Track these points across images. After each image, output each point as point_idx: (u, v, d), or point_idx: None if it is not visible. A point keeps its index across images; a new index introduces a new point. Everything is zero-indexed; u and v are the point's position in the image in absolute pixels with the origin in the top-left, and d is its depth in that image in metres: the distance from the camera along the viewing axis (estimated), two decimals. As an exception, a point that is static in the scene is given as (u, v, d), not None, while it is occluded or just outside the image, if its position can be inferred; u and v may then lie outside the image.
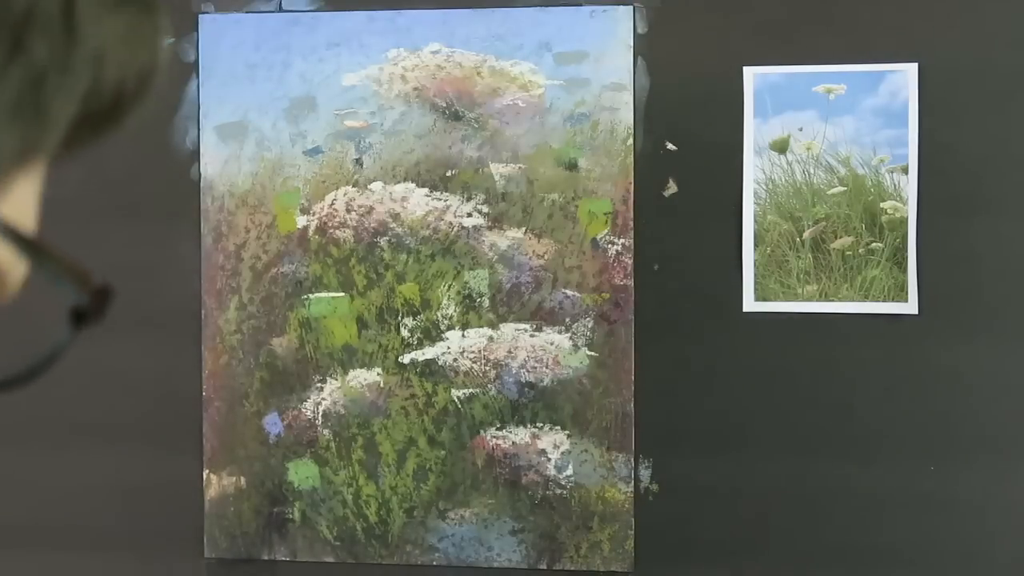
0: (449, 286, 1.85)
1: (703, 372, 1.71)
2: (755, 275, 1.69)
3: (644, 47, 1.69)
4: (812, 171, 1.67)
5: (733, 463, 1.71)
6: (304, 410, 1.89)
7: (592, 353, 1.83)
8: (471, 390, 1.85)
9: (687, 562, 1.73)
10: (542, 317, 1.84)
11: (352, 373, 1.88)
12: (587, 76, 1.80)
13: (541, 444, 1.85)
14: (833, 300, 1.67)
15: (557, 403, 1.84)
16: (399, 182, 1.86)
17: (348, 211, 1.86)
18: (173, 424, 1.81)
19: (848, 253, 1.67)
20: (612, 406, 1.83)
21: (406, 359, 1.87)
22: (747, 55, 1.65)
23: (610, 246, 1.82)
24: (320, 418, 1.88)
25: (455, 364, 1.86)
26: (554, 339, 1.84)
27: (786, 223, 1.68)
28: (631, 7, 1.74)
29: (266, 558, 1.87)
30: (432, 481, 1.87)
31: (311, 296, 1.88)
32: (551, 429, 1.85)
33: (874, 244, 1.66)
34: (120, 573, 1.80)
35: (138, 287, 1.75)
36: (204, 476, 1.87)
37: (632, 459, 1.78)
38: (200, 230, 1.82)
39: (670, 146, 1.69)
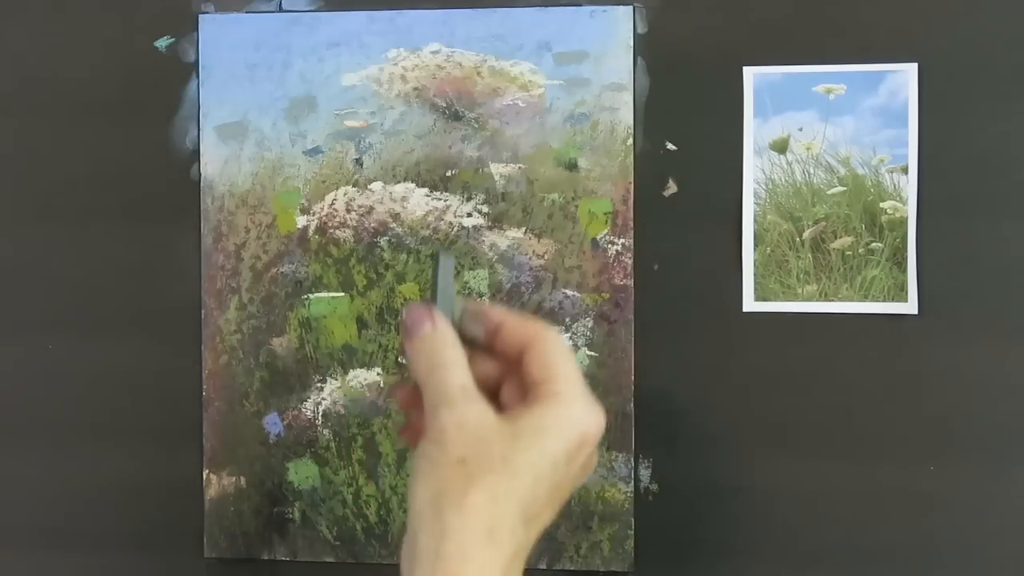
0: (449, 286, 1.85)
1: (703, 372, 1.71)
2: (755, 275, 1.69)
3: (644, 47, 1.69)
4: (812, 171, 1.68)
5: (733, 463, 1.71)
6: (304, 410, 1.88)
7: (592, 353, 1.83)
8: (471, 390, 1.85)
9: (687, 562, 1.73)
10: (542, 317, 1.84)
11: (352, 373, 1.88)
12: (587, 76, 1.80)
13: (541, 444, 1.85)
14: (833, 300, 1.67)
15: (557, 403, 1.84)
16: (399, 182, 1.86)
17: (348, 211, 1.86)
18: (173, 424, 1.81)
19: (848, 253, 1.67)
20: (612, 406, 1.82)
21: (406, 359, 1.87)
22: (747, 55, 1.65)
23: (610, 246, 1.82)
24: (320, 418, 1.88)
25: (455, 364, 1.86)
26: (554, 339, 1.84)
27: (786, 223, 1.68)
28: (631, 7, 1.74)
29: (266, 558, 1.87)
30: (432, 481, 1.87)
31: (311, 296, 1.87)
32: (551, 429, 1.85)
33: (874, 244, 1.66)
34: (120, 573, 1.80)
35: (138, 287, 1.76)
36: (204, 476, 1.87)
37: (632, 459, 1.78)
38: (200, 230, 1.82)
39: (670, 146, 1.69)
